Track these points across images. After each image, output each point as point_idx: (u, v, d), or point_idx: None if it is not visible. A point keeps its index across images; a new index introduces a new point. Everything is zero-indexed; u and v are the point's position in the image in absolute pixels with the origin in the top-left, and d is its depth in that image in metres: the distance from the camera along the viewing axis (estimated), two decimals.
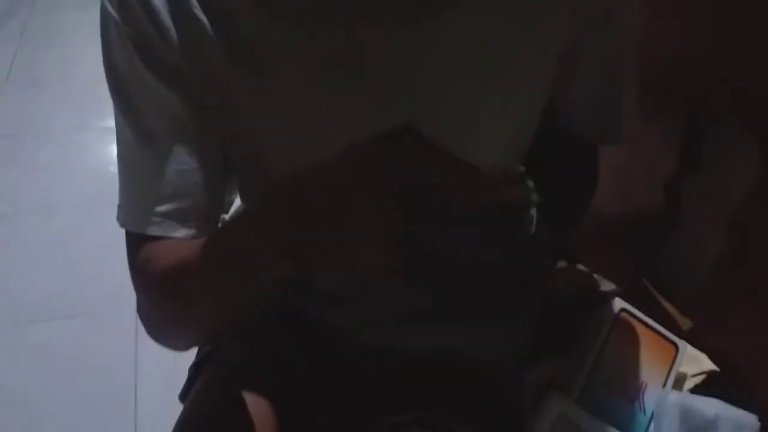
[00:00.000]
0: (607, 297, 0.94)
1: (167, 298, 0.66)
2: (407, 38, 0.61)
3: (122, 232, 0.69)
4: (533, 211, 0.74)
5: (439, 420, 0.76)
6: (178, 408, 0.76)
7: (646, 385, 0.86)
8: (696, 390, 0.88)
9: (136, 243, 0.67)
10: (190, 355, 0.86)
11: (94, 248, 1.88)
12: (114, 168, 0.69)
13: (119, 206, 0.69)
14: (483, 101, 0.66)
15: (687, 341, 0.91)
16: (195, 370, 0.85)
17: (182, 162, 0.65)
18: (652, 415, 0.84)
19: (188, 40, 0.61)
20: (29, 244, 1.92)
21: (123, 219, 0.68)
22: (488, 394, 0.81)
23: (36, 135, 2.35)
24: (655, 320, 0.91)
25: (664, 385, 0.86)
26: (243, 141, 0.68)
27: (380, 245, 0.44)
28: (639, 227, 1.03)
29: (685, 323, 0.96)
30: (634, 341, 0.88)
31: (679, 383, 0.89)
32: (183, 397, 0.85)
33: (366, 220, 0.45)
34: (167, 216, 0.66)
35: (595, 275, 1.02)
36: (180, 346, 0.72)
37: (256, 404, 0.74)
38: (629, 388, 0.86)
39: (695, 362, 0.90)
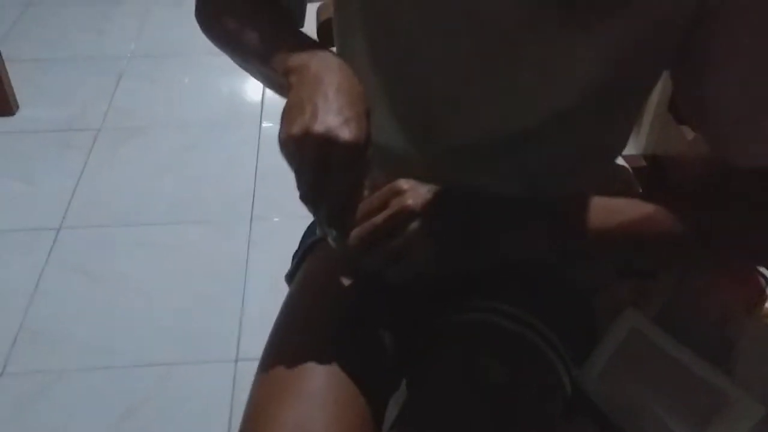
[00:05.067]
0: None
1: (209, 33, 0.83)
2: None
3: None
4: None
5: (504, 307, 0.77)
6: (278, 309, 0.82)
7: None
8: None
9: None
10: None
11: (217, 163, 2.02)
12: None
13: None
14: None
15: None
16: (301, 257, 0.92)
17: None
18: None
19: None
20: (160, 156, 2.08)
21: None
22: (562, 303, 0.82)
23: (176, 56, 2.51)
24: None
25: (751, 315, 0.84)
26: None
27: None
28: None
29: None
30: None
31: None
32: (290, 278, 0.92)
33: None
34: None
35: None
36: None
37: (351, 290, 0.80)
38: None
39: None
